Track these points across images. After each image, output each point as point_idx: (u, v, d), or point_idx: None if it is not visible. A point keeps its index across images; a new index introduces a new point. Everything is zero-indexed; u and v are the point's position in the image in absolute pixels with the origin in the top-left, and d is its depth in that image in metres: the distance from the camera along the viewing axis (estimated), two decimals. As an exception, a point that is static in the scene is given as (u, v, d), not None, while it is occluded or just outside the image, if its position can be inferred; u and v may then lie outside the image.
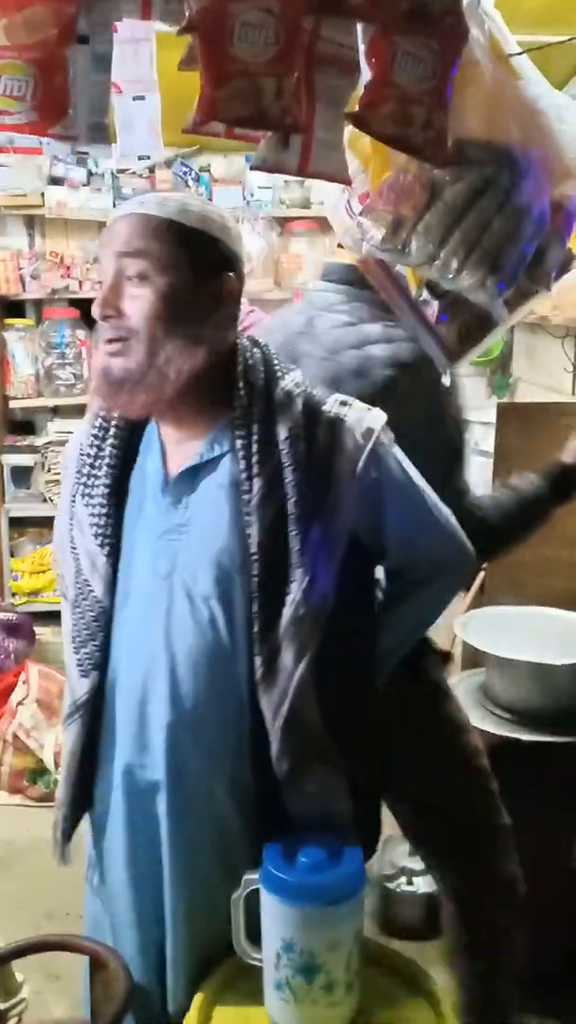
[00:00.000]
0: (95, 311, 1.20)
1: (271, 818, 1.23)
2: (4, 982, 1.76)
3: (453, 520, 1.34)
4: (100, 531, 1.28)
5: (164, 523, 1.25)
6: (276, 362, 1.27)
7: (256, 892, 1.19)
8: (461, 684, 2.33)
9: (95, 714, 1.30)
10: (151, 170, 3.43)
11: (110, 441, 1.30)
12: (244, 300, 1.27)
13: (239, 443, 1.21)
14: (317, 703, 1.21)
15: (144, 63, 1.54)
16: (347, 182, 1.24)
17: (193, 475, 1.24)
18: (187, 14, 1.03)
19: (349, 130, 1.21)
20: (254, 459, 1.20)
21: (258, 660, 1.19)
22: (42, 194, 3.53)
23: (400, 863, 2.53)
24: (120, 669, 1.27)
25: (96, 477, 1.30)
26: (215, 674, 1.22)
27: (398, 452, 1.27)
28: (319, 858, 1.18)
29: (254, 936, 1.22)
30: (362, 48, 1.09)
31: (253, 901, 1.20)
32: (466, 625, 2.24)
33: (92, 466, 1.31)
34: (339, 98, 1.19)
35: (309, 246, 3.61)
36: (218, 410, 1.24)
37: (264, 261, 3.55)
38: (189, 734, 1.23)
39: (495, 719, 2.15)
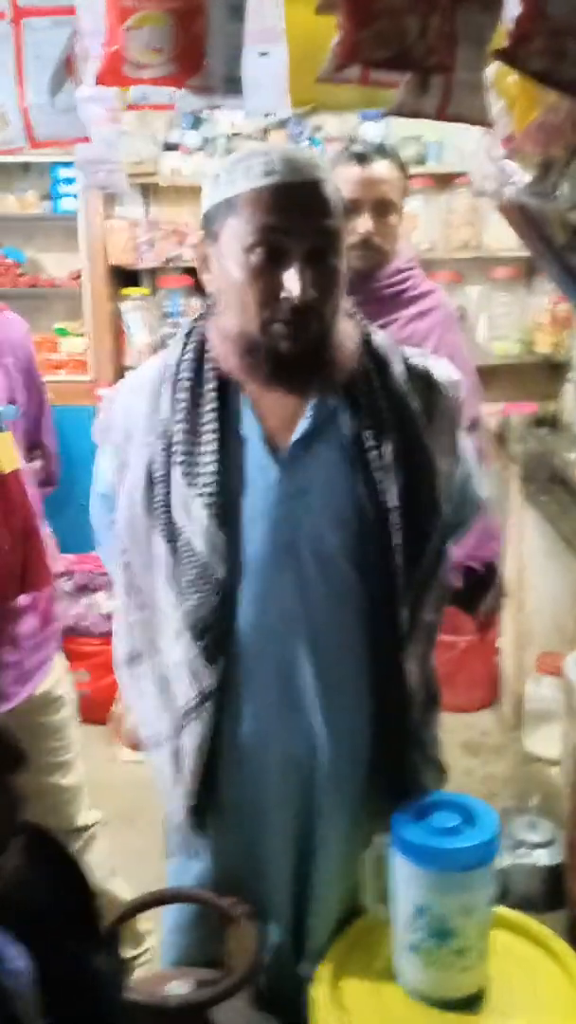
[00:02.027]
0: (292, 296, 1.07)
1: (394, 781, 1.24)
2: (132, 932, 1.82)
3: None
4: (217, 510, 1.15)
5: (280, 490, 1.18)
6: (360, 317, 1.25)
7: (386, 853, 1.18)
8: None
9: (222, 701, 1.20)
10: (265, 131, 3.38)
11: (208, 408, 1.17)
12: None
13: (363, 400, 1.18)
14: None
15: (270, 14, 1.50)
16: (488, 124, 1.18)
17: (308, 437, 1.19)
18: (328, -45, 0.99)
19: (492, 69, 1.15)
20: (383, 416, 1.18)
21: (404, 613, 1.19)
22: (156, 161, 3.55)
23: (518, 835, 2.48)
24: (252, 646, 1.20)
25: (196, 454, 1.17)
26: (357, 635, 1.21)
27: None
28: (453, 823, 1.16)
29: (385, 896, 1.21)
30: (510, -20, 1.03)
31: (385, 861, 1.19)
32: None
33: (189, 442, 1.17)
34: (481, 35, 1.12)
35: (425, 203, 3.49)
36: None
37: (378, 221, 3.48)
38: (340, 698, 1.21)
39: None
